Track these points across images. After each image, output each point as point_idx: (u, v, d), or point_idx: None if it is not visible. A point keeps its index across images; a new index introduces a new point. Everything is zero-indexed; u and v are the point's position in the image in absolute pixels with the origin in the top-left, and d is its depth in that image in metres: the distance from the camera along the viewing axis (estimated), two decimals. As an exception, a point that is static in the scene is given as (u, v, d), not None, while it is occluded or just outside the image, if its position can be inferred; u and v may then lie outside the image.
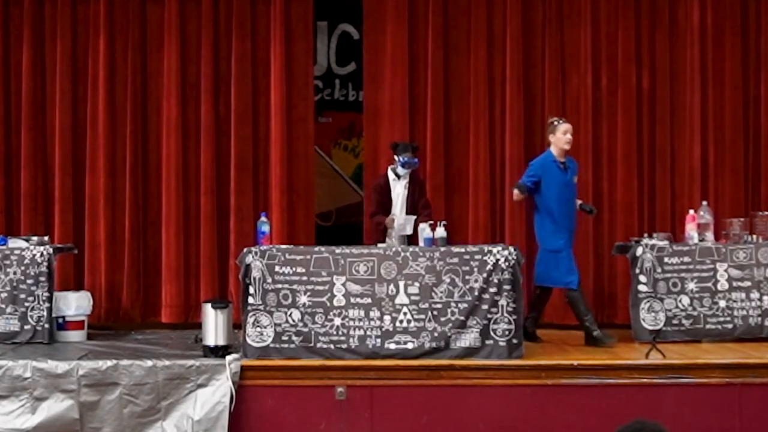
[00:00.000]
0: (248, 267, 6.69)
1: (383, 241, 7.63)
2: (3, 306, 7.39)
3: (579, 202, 7.72)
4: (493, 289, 6.62)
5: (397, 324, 6.64)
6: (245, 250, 6.80)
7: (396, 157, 7.70)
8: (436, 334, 6.61)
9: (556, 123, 7.54)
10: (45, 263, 7.44)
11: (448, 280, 6.65)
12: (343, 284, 6.67)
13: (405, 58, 8.67)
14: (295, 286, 6.67)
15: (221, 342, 6.65)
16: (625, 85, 8.66)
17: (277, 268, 6.68)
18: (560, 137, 7.46)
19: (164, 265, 8.58)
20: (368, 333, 6.64)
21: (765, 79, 8.74)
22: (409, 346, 6.61)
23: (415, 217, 7.45)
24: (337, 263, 6.69)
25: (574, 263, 7.51)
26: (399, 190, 7.74)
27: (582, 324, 7.48)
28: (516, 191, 7.52)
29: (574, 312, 7.58)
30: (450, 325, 6.62)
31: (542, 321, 8.48)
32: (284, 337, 6.65)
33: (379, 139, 8.72)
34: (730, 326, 7.50)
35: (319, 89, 9.62)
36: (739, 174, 8.66)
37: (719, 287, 7.52)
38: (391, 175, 7.78)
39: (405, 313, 6.65)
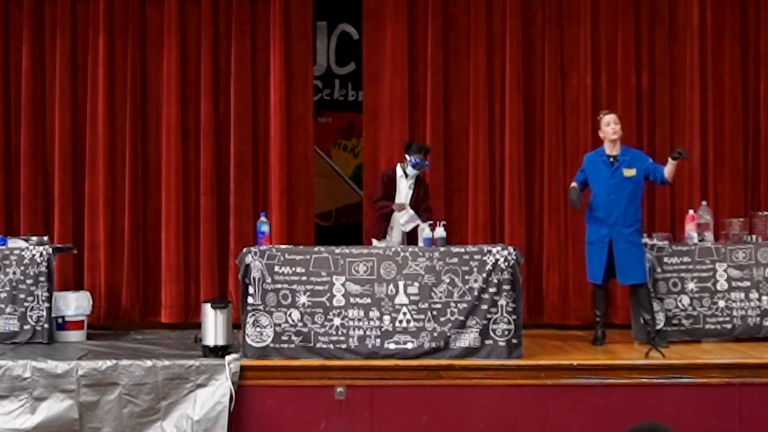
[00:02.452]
0: (248, 267, 6.69)
1: (385, 231, 7.62)
2: (2, 306, 7.39)
3: (673, 155, 7.36)
4: (492, 289, 6.62)
5: (397, 324, 6.64)
6: (245, 250, 6.80)
7: (407, 157, 7.66)
8: (435, 334, 6.62)
9: (599, 117, 7.54)
10: (44, 263, 7.44)
11: (447, 280, 6.65)
12: (343, 284, 6.68)
13: (405, 58, 8.67)
14: (294, 286, 6.67)
15: (221, 342, 6.66)
16: (624, 85, 8.65)
17: (276, 268, 6.68)
18: (605, 129, 7.44)
19: (164, 265, 8.57)
20: (368, 333, 6.64)
21: (765, 79, 8.73)
22: (409, 346, 6.62)
23: (420, 222, 7.38)
24: (336, 263, 6.69)
25: (600, 258, 7.33)
26: (404, 189, 7.73)
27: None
28: (571, 202, 7.45)
29: None
30: (449, 325, 6.62)
31: (542, 321, 8.52)
32: (284, 337, 6.65)
33: (378, 139, 8.71)
34: (729, 326, 7.51)
35: (319, 89, 9.61)
36: (738, 174, 8.66)
37: (719, 287, 7.53)
38: (399, 171, 7.75)
39: (404, 313, 6.65)
